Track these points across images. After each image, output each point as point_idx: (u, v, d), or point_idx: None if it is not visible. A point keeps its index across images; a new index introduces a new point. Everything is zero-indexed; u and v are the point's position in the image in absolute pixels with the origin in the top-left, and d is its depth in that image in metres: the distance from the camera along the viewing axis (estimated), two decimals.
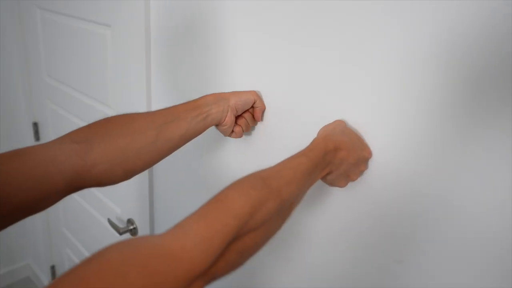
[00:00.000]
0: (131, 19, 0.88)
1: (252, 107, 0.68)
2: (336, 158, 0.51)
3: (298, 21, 0.58)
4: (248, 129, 0.71)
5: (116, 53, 0.97)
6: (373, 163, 0.56)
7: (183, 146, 0.61)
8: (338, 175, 0.54)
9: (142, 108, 0.94)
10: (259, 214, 0.38)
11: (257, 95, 0.67)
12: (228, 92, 0.65)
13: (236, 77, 0.71)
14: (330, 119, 0.59)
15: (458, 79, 0.45)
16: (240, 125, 0.69)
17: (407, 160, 0.52)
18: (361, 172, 0.57)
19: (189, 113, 0.58)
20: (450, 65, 0.45)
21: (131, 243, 0.31)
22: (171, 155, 0.83)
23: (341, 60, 0.55)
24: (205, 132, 0.63)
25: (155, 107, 0.94)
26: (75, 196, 1.47)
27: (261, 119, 0.69)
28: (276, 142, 0.69)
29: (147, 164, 0.55)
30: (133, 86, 0.95)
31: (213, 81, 0.76)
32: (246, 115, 0.69)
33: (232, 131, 0.68)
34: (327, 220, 0.65)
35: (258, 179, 0.41)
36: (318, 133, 0.57)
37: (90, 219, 1.40)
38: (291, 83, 0.63)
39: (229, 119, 0.65)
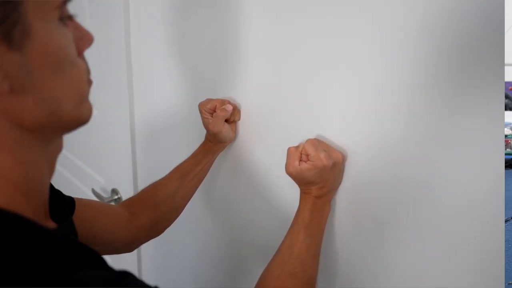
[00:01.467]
0: None
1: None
2: (322, 201, 0.56)
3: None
4: (235, 116, 0.72)
5: (94, 27, 0.95)
6: (362, 148, 0.56)
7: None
8: (338, 187, 0.59)
9: (123, 85, 0.95)
10: None
11: (221, 124, 0.67)
12: (208, 144, 0.72)
13: (224, 63, 0.72)
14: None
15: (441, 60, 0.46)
16: (231, 123, 0.72)
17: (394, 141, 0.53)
18: (342, 167, 0.58)
19: (195, 168, 0.71)
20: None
21: None
22: (154, 122, 0.91)
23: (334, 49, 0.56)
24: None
25: (136, 81, 0.95)
26: (58, 167, 1.46)
27: (230, 108, 0.68)
28: (262, 137, 0.71)
29: (173, 220, 0.71)
30: (112, 61, 0.95)
31: (198, 58, 0.76)
32: (228, 121, 0.70)
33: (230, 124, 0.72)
34: None
35: (292, 280, 0.51)
36: (292, 176, 0.56)
37: (74, 189, 1.40)
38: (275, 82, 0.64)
39: (227, 141, 0.72)
